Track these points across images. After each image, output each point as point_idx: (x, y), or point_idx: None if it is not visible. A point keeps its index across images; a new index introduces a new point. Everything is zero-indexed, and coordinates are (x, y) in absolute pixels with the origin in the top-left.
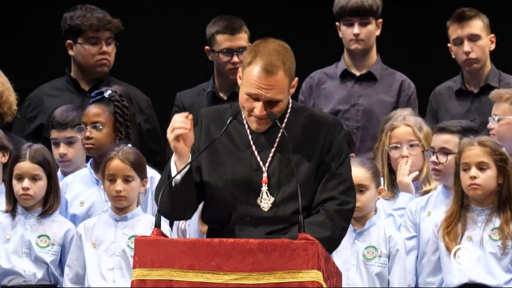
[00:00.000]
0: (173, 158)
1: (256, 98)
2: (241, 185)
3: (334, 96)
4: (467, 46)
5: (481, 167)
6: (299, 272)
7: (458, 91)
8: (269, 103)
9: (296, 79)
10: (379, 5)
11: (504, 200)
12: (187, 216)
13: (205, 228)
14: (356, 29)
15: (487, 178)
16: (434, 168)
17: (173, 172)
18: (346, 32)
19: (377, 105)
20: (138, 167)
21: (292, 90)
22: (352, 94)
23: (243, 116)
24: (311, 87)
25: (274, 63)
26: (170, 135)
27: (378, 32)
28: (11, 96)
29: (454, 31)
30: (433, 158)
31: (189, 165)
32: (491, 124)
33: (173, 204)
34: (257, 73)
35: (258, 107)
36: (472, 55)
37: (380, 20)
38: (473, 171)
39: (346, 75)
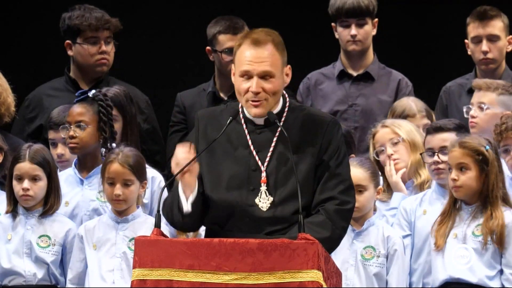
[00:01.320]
0: (180, 188)
1: (249, 75)
2: (240, 185)
3: (332, 96)
4: (485, 46)
5: (460, 168)
6: (299, 272)
7: (471, 89)
8: (263, 79)
9: (289, 66)
10: (375, 5)
11: (484, 199)
12: (198, 227)
13: (183, 235)
14: (353, 30)
15: (467, 179)
16: (437, 168)
17: (183, 202)
18: (343, 33)
19: (375, 105)
20: (137, 170)
21: (287, 79)
22: (349, 94)
23: (241, 115)
24: (309, 88)
25: (263, 37)
26: (175, 168)
27: (374, 32)
28: (9, 98)
29: (473, 29)
30: (435, 158)
31: (195, 196)
32: (473, 112)
33: (186, 225)
34: (247, 49)
35: (253, 83)
36: (490, 55)
37: (376, 19)
38: (454, 173)
39: (343, 76)
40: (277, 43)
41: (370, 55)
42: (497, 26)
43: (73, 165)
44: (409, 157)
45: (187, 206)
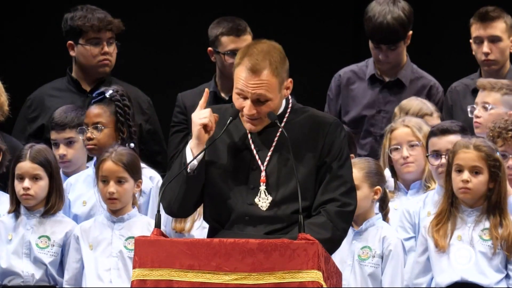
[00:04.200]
0: (189, 145)
1: (244, 96)
2: (240, 184)
3: (361, 100)
4: (486, 47)
5: (474, 171)
6: (299, 272)
7: (475, 90)
8: (258, 102)
9: (290, 80)
10: (407, 23)
11: (494, 205)
12: (191, 212)
13: (180, 225)
14: (382, 55)
15: (479, 182)
16: (444, 170)
17: (189, 158)
18: (374, 51)
19: None
20: (131, 168)
21: (286, 92)
22: (379, 100)
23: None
24: (339, 86)
25: (260, 63)
26: (200, 120)
27: (408, 43)
28: (2, 97)
29: (475, 30)
30: (442, 161)
31: (202, 153)
32: (478, 112)
33: (186, 193)
34: (244, 73)
35: (247, 105)
36: (491, 57)
37: (410, 32)
38: (466, 174)
39: (374, 80)
40: (274, 67)
41: (403, 60)
42: (498, 27)
43: (91, 165)
44: (424, 161)
45: (193, 161)
